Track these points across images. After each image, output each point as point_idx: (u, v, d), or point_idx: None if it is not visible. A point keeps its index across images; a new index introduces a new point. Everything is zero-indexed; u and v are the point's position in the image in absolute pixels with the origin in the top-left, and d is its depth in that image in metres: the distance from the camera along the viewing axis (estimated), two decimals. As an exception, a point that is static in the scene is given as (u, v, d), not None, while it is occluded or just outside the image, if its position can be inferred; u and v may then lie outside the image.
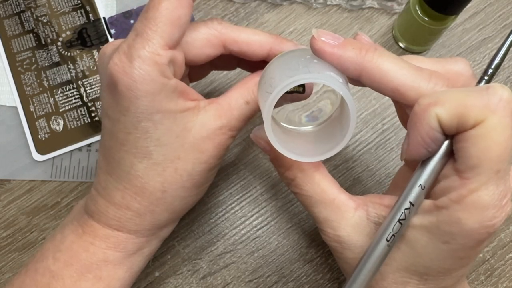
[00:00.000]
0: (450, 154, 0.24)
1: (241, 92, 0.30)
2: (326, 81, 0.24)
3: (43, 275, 0.30)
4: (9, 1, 0.44)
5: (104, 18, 0.44)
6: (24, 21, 0.43)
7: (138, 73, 0.26)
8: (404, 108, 0.27)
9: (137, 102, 0.27)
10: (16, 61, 0.42)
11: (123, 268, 0.31)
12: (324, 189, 0.28)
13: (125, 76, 0.26)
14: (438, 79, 0.24)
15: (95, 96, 0.42)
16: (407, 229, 0.25)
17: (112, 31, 0.43)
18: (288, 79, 0.24)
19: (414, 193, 0.24)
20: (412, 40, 0.42)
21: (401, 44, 0.43)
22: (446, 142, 0.24)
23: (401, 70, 0.25)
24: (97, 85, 0.42)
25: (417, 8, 0.38)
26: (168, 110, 0.28)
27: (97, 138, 0.41)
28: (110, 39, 0.43)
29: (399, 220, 0.24)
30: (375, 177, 0.41)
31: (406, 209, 0.24)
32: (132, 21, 0.43)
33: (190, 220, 0.41)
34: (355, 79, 0.26)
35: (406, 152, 0.25)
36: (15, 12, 0.43)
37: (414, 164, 0.26)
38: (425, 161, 0.24)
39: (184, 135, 0.29)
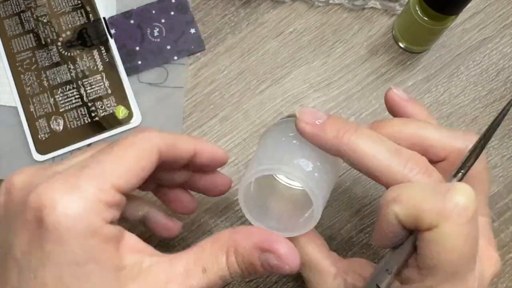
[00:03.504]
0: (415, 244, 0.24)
1: (198, 256, 0.24)
2: (291, 175, 0.26)
3: None
4: (9, 1, 0.44)
5: (104, 18, 0.43)
6: (24, 21, 0.43)
7: (74, 206, 0.22)
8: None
9: (65, 246, 0.21)
10: (16, 61, 0.42)
11: None
12: (307, 253, 0.29)
13: (57, 209, 0.21)
14: (415, 165, 0.24)
15: (95, 96, 0.42)
16: None
17: (112, 31, 0.43)
18: (258, 167, 0.27)
19: (380, 275, 0.25)
20: (412, 40, 0.42)
21: (401, 44, 0.43)
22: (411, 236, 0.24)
23: (377, 153, 0.25)
24: (97, 85, 0.42)
25: (417, 8, 0.38)
26: (102, 261, 0.22)
27: (97, 138, 0.41)
28: (110, 39, 0.43)
29: None
30: (375, 177, 0.41)
31: None
32: (132, 21, 0.43)
33: (190, 220, 0.41)
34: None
35: (373, 240, 0.26)
36: (15, 12, 0.43)
37: None
38: (395, 247, 0.25)
39: None
